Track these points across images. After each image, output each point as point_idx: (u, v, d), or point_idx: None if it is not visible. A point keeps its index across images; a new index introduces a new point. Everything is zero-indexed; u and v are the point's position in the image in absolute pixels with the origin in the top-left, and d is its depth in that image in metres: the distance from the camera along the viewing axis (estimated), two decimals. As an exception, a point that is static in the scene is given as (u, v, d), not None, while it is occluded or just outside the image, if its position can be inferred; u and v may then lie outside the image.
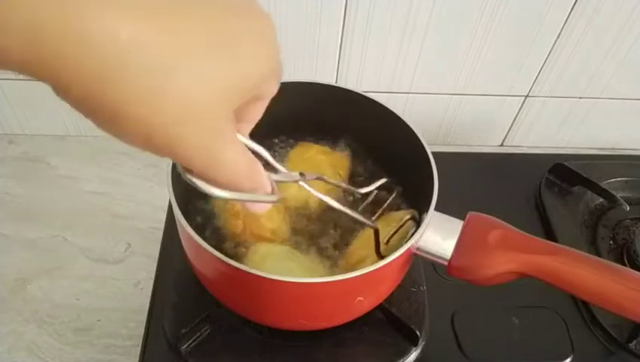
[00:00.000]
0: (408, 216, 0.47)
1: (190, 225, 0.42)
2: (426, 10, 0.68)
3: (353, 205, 0.51)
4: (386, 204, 0.50)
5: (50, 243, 0.70)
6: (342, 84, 0.74)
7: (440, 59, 0.75)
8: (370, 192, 0.48)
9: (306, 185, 0.38)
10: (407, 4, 0.68)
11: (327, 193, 0.53)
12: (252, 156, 0.27)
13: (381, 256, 0.46)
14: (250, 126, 0.30)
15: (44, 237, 0.70)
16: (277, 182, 0.33)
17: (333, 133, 0.60)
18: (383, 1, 0.67)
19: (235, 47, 0.22)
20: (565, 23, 0.71)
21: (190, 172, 0.24)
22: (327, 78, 0.76)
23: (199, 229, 0.52)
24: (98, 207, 0.74)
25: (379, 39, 0.71)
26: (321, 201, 0.42)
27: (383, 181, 0.48)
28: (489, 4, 0.68)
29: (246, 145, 0.28)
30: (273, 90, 0.28)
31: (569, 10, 0.69)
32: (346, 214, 0.41)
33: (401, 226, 0.47)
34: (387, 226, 0.48)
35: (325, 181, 0.43)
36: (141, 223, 0.73)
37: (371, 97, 0.53)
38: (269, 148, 0.59)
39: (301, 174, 0.38)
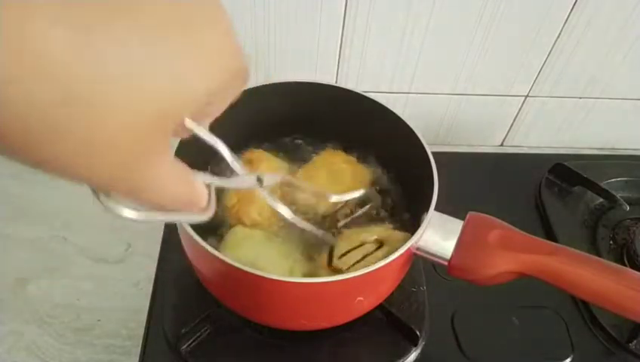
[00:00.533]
0: (373, 238, 0.47)
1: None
2: (426, 10, 0.68)
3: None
4: (349, 219, 0.51)
5: (50, 243, 0.70)
6: (342, 84, 0.74)
7: (440, 59, 0.75)
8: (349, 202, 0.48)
9: (264, 193, 0.36)
10: (407, 4, 0.68)
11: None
12: (184, 175, 0.24)
13: (333, 269, 0.46)
14: (210, 119, 0.26)
15: (44, 237, 0.70)
16: (233, 188, 0.31)
17: (334, 133, 0.60)
18: (383, 1, 0.67)
19: (174, 65, 0.19)
20: (565, 23, 0.71)
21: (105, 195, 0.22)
22: (327, 78, 0.76)
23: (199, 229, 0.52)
24: (98, 207, 0.74)
25: (379, 39, 0.71)
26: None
27: (358, 193, 0.48)
28: (489, 4, 0.68)
29: (204, 139, 0.25)
30: (233, 96, 0.24)
31: (569, 10, 0.69)
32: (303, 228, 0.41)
33: (359, 246, 0.47)
34: (356, 237, 0.49)
35: (290, 183, 0.42)
36: (141, 223, 0.72)
37: (371, 97, 0.53)
38: (268, 148, 0.60)
39: (258, 179, 0.34)
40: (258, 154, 0.53)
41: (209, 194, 0.26)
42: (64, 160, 0.18)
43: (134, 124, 0.18)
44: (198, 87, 0.20)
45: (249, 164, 0.52)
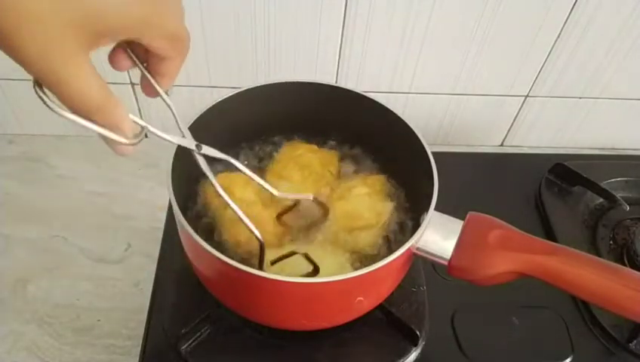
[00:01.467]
0: (295, 251, 0.47)
1: (190, 225, 0.42)
2: (426, 10, 0.68)
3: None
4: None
5: (50, 243, 0.70)
6: (342, 84, 0.74)
7: (440, 59, 0.75)
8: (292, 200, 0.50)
9: (198, 158, 0.39)
10: (407, 5, 0.68)
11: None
12: (108, 92, 0.28)
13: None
14: (169, 79, 0.34)
15: (44, 237, 0.70)
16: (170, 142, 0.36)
17: (334, 133, 0.60)
18: (383, 2, 0.67)
19: None
20: (565, 23, 0.71)
21: (41, 87, 0.26)
22: (327, 78, 0.76)
23: (198, 227, 0.52)
24: (98, 207, 0.74)
25: (379, 39, 0.71)
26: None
27: (306, 196, 0.50)
28: (489, 4, 0.68)
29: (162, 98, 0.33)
30: (153, 45, 0.30)
31: (569, 10, 0.69)
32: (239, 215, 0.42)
33: (286, 256, 0.47)
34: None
35: (236, 167, 0.43)
36: (141, 223, 0.73)
37: (371, 97, 0.53)
38: (269, 147, 0.60)
39: (197, 146, 0.38)
40: (231, 179, 0.52)
41: (140, 132, 0.32)
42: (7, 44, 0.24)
43: (50, 22, 0.24)
44: (107, 13, 0.26)
45: (224, 190, 0.52)
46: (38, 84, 0.26)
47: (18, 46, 0.24)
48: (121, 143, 0.31)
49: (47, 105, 0.26)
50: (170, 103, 0.36)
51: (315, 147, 0.58)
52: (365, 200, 0.54)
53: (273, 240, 0.50)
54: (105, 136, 0.30)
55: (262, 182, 0.45)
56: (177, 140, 0.38)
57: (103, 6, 0.25)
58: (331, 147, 0.60)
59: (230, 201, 0.41)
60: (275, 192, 0.46)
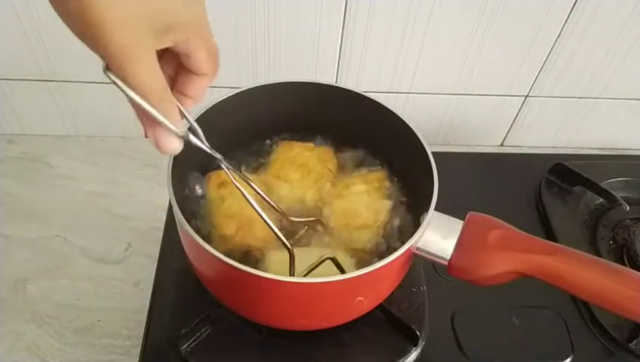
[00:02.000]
0: (326, 256, 0.47)
1: (190, 225, 0.42)
2: (425, 10, 0.68)
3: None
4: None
5: (50, 243, 0.70)
6: (342, 84, 0.74)
7: (440, 59, 0.75)
8: (303, 223, 0.51)
9: (224, 167, 0.40)
10: (407, 4, 0.68)
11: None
12: (166, 85, 0.32)
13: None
14: (193, 102, 0.36)
15: (44, 237, 0.70)
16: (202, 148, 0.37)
17: (334, 133, 0.60)
18: (383, 1, 0.67)
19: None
20: (565, 22, 0.71)
21: (110, 70, 0.30)
22: (327, 78, 0.76)
23: (198, 229, 0.52)
24: (98, 207, 0.74)
25: (379, 39, 0.71)
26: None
27: (312, 219, 0.52)
28: (489, 4, 0.68)
29: (182, 113, 0.35)
30: (196, 53, 0.34)
31: (569, 10, 0.70)
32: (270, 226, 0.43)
33: (318, 264, 0.47)
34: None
35: (258, 193, 0.45)
36: (141, 223, 0.73)
37: (371, 97, 0.53)
38: (269, 147, 0.60)
39: (189, 129, 0.39)
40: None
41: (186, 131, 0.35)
42: (92, 34, 0.28)
43: (128, 25, 0.28)
44: (167, 11, 0.30)
45: (222, 186, 0.52)
46: (109, 69, 0.30)
47: (103, 44, 0.28)
48: (172, 132, 0.33)
49: (118, 86, 0.30)
50: (197, 126, 0.37)
51: (310, 145, 0.58)
52: (364, 198, 0.54)
53: (274, 240, 0.50)
54: (155, 131, 0.33)
55: (275, 205, 0.47)
56: (209, 150, 0.39)
57: (169, 5, 0.30)
58: (332, 148, 0.60)
59: (257, 207, 0.42)
60: (290, 218, 0.50)
